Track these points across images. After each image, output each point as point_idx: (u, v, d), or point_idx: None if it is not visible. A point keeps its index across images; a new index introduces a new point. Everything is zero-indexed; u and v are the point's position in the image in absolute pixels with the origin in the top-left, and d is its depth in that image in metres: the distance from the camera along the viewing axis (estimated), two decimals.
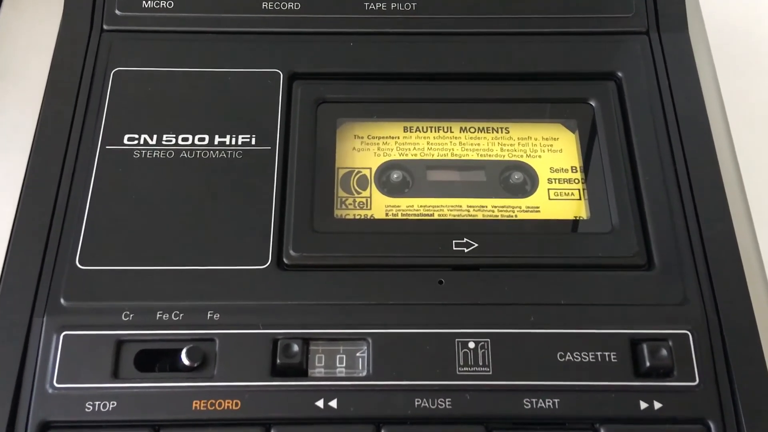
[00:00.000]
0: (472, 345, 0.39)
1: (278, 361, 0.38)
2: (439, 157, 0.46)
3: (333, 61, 0.47)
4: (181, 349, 0.38)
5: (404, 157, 0.46)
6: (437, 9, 0.49)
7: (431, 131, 0.47)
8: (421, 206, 0.44)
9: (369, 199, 0.44)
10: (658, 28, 0.49)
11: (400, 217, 0.44)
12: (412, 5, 0.49)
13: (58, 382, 0.37)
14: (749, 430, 0.37)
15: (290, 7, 0.49)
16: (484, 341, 0.39)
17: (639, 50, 0.48)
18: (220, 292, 0.40)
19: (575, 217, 0.44)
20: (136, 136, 0.44)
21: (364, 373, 0.38)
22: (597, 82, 0.47)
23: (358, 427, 0.37)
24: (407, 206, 0.44)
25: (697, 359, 0.38)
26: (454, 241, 0.42)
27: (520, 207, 0.44)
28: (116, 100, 0.45)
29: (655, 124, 0.45)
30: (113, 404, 0.37)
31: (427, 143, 0.46)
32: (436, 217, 0.43)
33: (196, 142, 0.44)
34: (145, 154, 0.44)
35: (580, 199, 0.44)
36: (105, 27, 0.48)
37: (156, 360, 0.39)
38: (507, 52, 0.48)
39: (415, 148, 0.46)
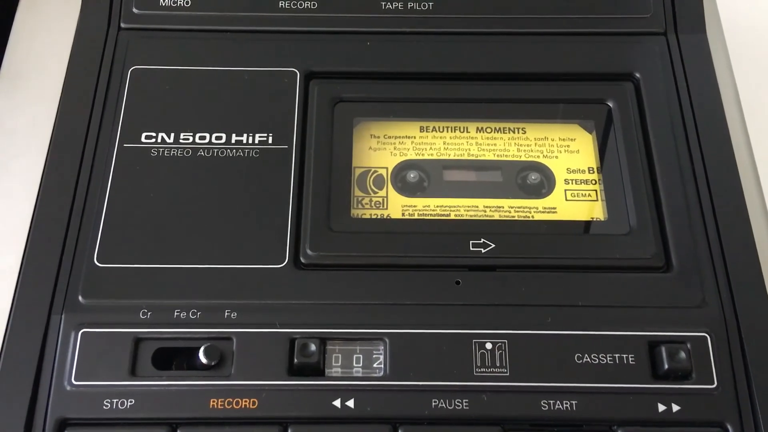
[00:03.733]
0: (489, 346, 0.38)
1: (295, 360, 0.38)
2: (456, 157, 0.46)
3: (350, 60, 0.47)
4: (198, 348, 0.38)
5: (421, 157, 0.46)
6: (454, 9, 0.49)
7: (448, 131, 0.47)
8: (437, 206, 0.44)
9: (385, 199, 0.44)
10: (676, 29, 0.48)
11: (416, 217, 0.44)
12: (428, 5, 0.49)
13: (76, 380, 0.38)
14: None
15: (307, 6, 0.49)
16: (502, 342, 0.39)
17: (657, 51, 0.47)
18: (237, 290, 0.40)
19: (592, 218, 0.44)
20: (154, 134, 0.44)
21: (381, 373, 0.38)
22: (614, 83, 0.47)
23: (375, 427, 0.37)
24: (424, 206, 0.44)
25: (716, 362, 0.38)
26: (470, 242, 0.41)
27: (536, 208, 0.44)
28: (134, 98, 0.45)
29: (673, 126, 0.45)
30: (131, 402, 0.37)
31: (444, 143, 0.46)
32: (452, 217, 0.43)
33: (214, 140, 0.44)
34: (163, 152, 0.44)
35: (597, 200, 0.44)
36: (122, 25, 0.48)
37: (173, 358, 0.39)
38: (524, 52, 0.47)
39: (431, 148, 0.46)
